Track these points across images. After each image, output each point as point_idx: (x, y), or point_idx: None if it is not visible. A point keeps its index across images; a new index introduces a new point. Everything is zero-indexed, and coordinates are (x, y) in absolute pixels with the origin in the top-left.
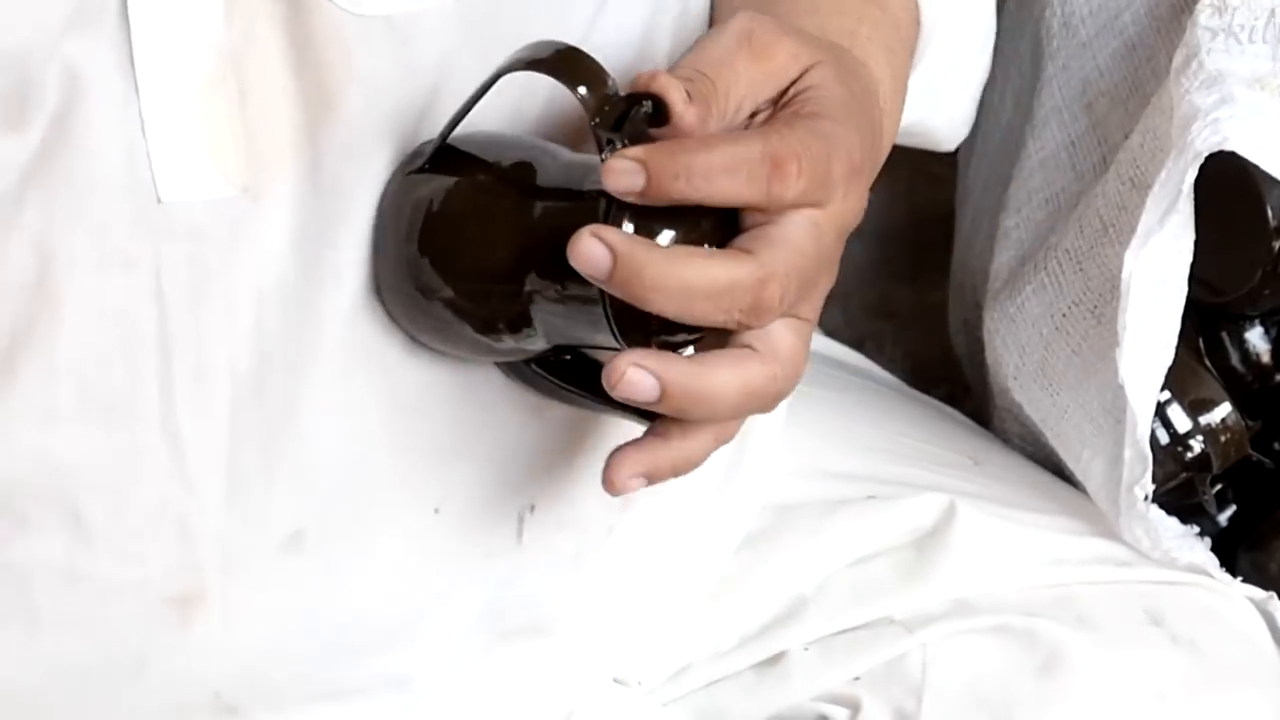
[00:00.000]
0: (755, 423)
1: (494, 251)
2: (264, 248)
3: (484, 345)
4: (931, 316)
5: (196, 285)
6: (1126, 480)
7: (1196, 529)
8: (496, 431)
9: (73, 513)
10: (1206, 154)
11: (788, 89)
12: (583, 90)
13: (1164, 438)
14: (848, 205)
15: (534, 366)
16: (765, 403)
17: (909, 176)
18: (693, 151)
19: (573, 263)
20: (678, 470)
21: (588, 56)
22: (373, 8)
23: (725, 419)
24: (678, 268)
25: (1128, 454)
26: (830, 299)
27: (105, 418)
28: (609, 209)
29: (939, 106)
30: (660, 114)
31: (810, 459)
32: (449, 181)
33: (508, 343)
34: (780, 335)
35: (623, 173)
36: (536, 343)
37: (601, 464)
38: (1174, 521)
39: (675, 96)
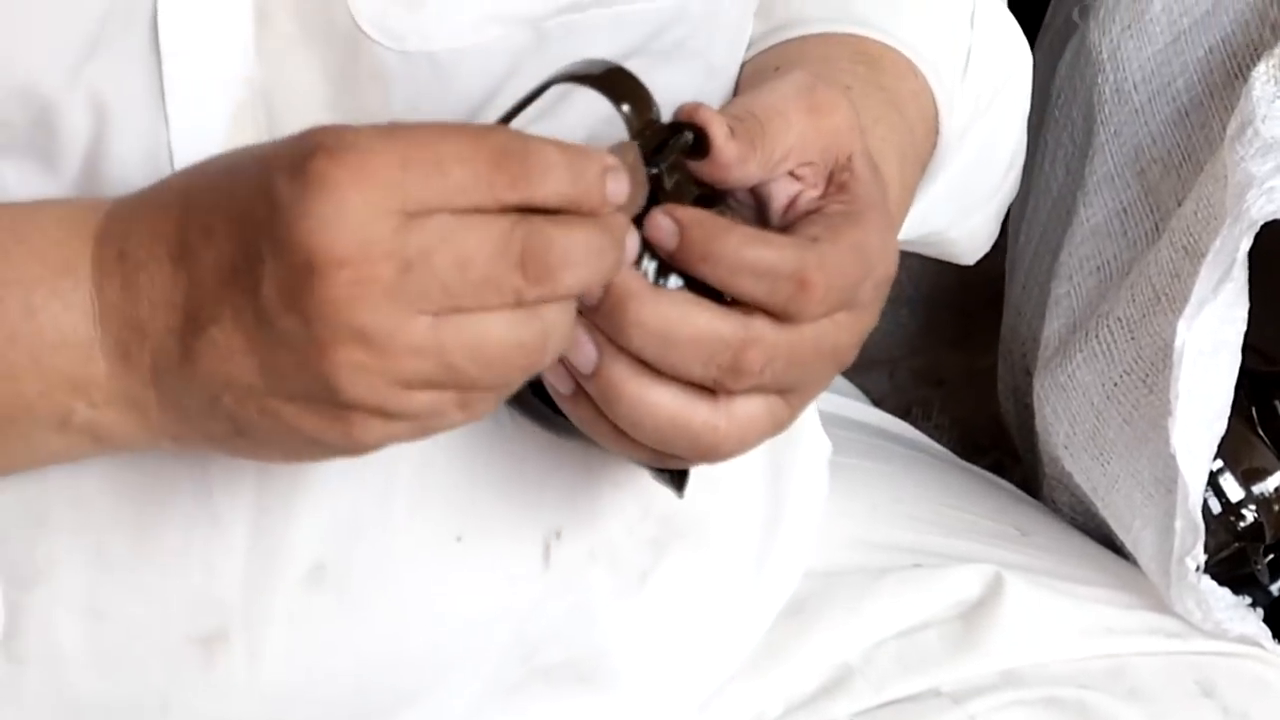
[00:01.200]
0: (794, 486)
1: None
2: None
3: None
4: (981, 383)
5: None
6: (1178, 551)
7: (1249, 599)
8: (518, 456)
9: (98, 549)
10: (1262, 222)
11: (838, 172)
12: (626, 109)
13: (1216, 507)
14: (871, 314)
15: (533, 393)
16: (693, 448)
17: None
18: (730, 241)
19: None
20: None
21: (636, 78)
22: (417, 44)
23: (647, 440)
24: (662, 306)
25: (1179, 524)
26: (878, 365)
27: (132, 455)
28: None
29: (959, 219)
30: (701, 147)
31: (856, 529)
32: None
33: None
34: (745, 400)
35: (661, 228)
36: None
37: (628, 490)
38: (1226, 592)
39: (718, 130)
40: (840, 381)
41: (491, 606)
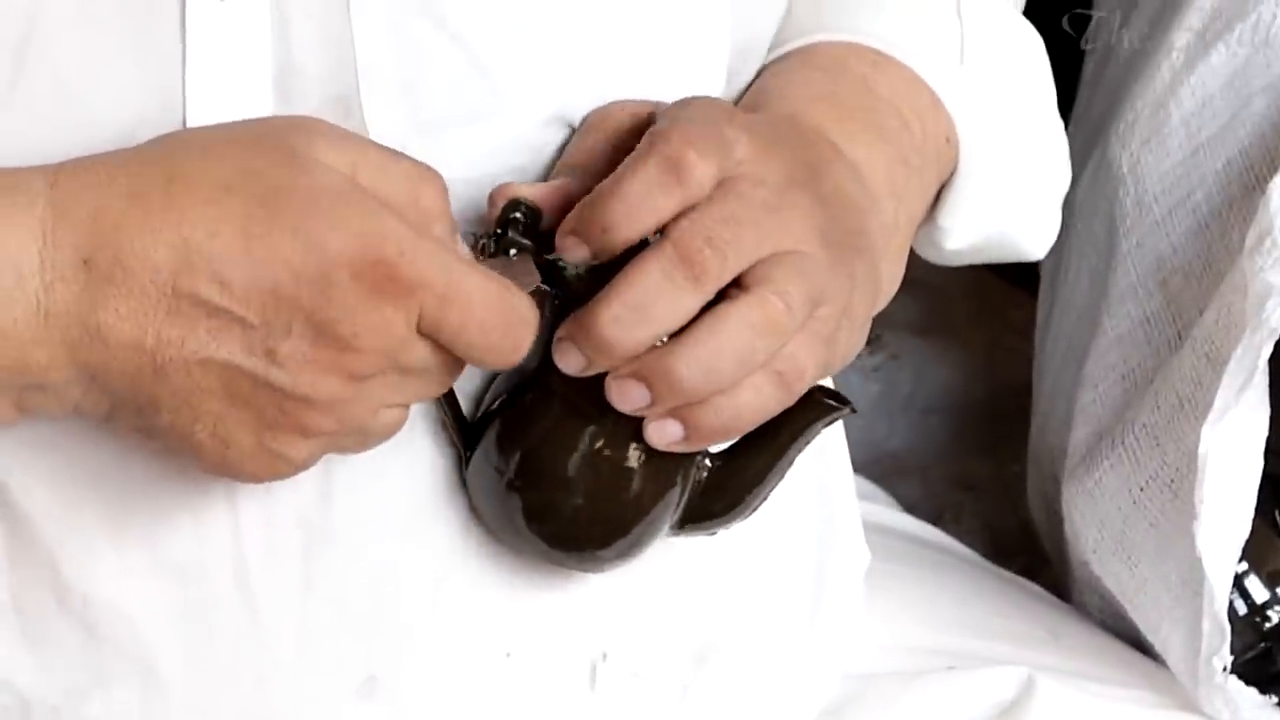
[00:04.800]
0: (833, 594)
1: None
2: None
3: None
4: (1010, 488)
5: None
6: (1205, 652)
7: (1276, 699)
8: (568, 578)
9: (148, 666)
10: None
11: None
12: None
13: (1242, 608)
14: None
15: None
16: (785, 391)
17: (986, 350)
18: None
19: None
20: None
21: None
22: None
23: (750, 422)
24: (607, 305)
25: (1206, 626)
26: (910, 471)
27: (178, 572)
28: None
29: (1014, 217)
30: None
31: (890, 633)
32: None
33: None
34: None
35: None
36: None
37: (674, 608)
38: (1253, 692)
39: (524, 190)
40: (872, 488)
41: None
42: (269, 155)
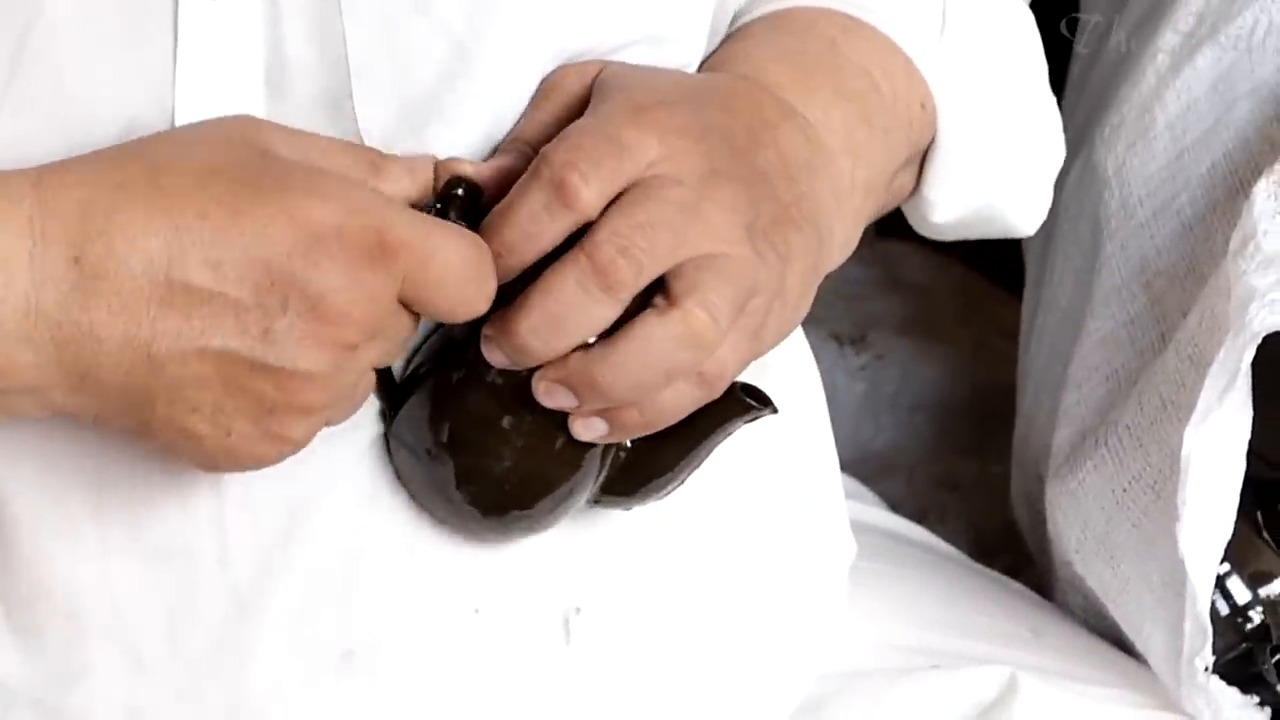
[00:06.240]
0: (814, 584)
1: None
2: None
3: None
4: (994, 488)
5: None
6: (1187, 652)
7: (1256, 699)
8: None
9: (133, 649)
10: (1264, 334)
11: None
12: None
13: (1224, 609)
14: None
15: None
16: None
17: (971, 351)
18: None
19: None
20: None
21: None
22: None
23: (669, 414)
24: (526, 315)
25: (1188, 626)
26: (895, 470)
27: (162, 555)
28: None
29: (1002, 191)
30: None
31: (874, 631)
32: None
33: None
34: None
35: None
36: None
37: (648, 566)
38: (1234, 692)
39: (465, 168)
40: (858, 487)
41: (514, 679)
42: (236, 149)
